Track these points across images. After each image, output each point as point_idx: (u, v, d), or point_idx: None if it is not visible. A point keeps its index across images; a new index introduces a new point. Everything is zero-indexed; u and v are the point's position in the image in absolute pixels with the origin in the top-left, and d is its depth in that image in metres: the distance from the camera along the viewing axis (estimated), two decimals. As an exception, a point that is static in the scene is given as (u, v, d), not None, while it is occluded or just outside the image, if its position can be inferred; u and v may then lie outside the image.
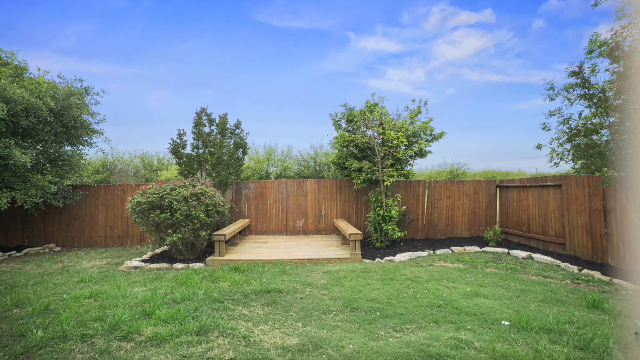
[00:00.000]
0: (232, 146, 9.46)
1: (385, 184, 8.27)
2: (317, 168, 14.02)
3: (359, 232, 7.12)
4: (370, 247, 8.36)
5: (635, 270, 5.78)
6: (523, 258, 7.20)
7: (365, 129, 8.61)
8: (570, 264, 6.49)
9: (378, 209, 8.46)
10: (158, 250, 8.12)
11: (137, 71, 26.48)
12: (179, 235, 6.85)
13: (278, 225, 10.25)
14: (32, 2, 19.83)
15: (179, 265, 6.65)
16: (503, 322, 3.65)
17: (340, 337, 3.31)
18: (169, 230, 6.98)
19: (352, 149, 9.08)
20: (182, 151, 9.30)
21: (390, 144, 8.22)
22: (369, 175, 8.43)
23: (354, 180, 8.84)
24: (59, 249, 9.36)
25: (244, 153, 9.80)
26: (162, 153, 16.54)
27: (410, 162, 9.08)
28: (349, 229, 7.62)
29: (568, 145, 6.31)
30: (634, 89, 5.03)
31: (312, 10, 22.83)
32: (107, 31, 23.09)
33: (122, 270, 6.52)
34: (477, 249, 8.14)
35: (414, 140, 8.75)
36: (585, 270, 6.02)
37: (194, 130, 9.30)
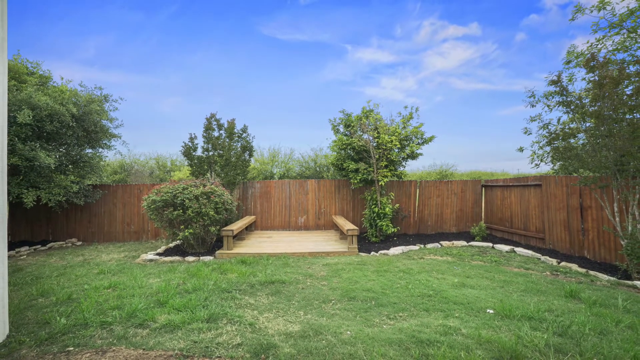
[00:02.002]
0: (239, 149, 9.45)
1: (380, 183, 8.26)
2: (317, 169, 14.01)
3: (356, 227, 7.11)
4: (366, 242, 8.36)
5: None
6: (506, 252, 7.20)
7: (361, 133, 8.60)
8: (550, 257, 6.48)
9: (373, 206, 8.46)
10: (171, 245, 8.11)
11: (152, 80, 26.52)
12: (191, 230, 6.84)
13: (281, 222, 10.24)
14: (56, 17, 19.86)
15: (190, 258, 6.64)
16: (488, 310, 3.65)
17: (339, 324, 3.31)
18: (181, 226, 6.97)
19: (349, 151, 9.07)
20: (194, 153, 9.30)
21: (384, 147, 8.21)
22: (365, 176, 8.42)
23: (351, 180, 8.83)
24: (80, 243, 9.36)
25: (250, 155, 9.79)
26: (175, 155, 16.56)
27: (403, 163, 9.08)
28: (346, 225, 7.62)
29: (548, 148, 6.32)
30: (608, 96, 5.03)
31: (312, 24, 22.87)
32: (124, 43, 23.14)
33: (139, 262, 6.52)
34: (464, 243, 8.13)
35: (406, 143, 8.74)
36: (563, 263, 6.02)
37: (204, 134, 9.30)
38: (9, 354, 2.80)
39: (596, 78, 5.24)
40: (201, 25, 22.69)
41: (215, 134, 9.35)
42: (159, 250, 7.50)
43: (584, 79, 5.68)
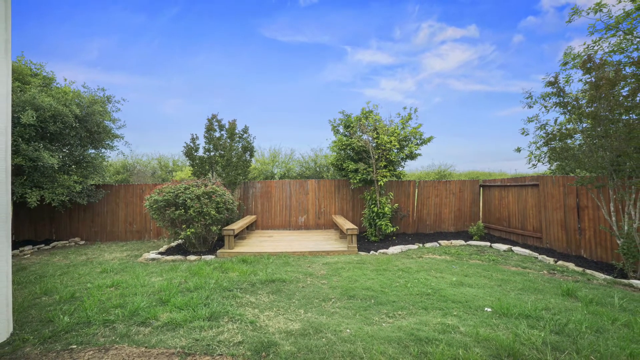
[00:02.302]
0: (240, 149, 9.45)
1: (379, 183, 8.26)
2: (318, 169, 14.01)
3: (355, 227, 7.11)
4: (366, 241, 8.35)
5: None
6: (504, 251, 7.20)
7: (361, 133, 8.60)
8: (547, 256, 6.48)
9: (372, 206, 8.46)
10: (173, 244, 8.12)
11: (154, 81, 26.55)
12: (192, 230, 6.84)
13: (282, 221, 10.24)
14: (60, 19, 19.88)
15: (192, 257, 6.64)
16: (486, 308, 3.65)
17: (339, 323, 3.30)
18: (183, 226, 6.97)
19: (349, 152, 9.07)
20: (195, 154, 9.30)
21: (383, 148, 8.21)
22: (364, 176, 8.42)
23: (351, 180, 8.83)
24: (83, 242, 9.36)
25: (251, 155, 9.79)
26: (177, 155, 16.55)
27: (402, 163, 9.07)
28: (346, 224, 7.61)
29: (545, 149, 6.32)
30: (605, 97, 5.03)
31: (312, 26, 22.89)
32: (127, 46, 23.16)
33: (141, 261, 6.52)
34: (462, 242, 8.13)
35: (405, 144, 8.74)
36: (560, 262, 6.02)
37: (205, 135, 9.29)
38: (13, 352, 2.80)
39: (593, 79, 5.23)
40: (203, 28, 22.72)
41: (217, 134, 9.35)
42: (161, 250, 7.50)
43: (581, 80, 5.67)
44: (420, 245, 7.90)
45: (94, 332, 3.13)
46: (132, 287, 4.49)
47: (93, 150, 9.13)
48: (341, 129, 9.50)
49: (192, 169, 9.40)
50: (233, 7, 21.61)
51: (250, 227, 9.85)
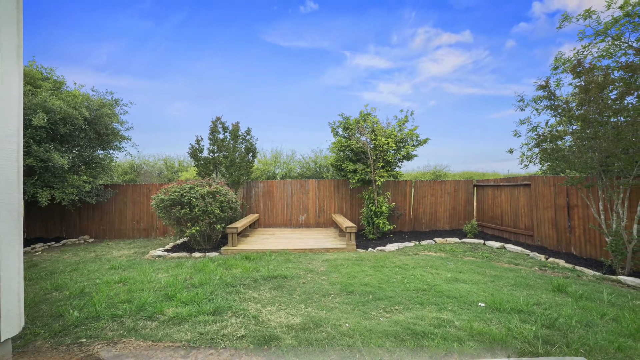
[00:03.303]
0: (243, 150, 9.45)
1: (376, 183, 8.26)
2: (318, 169, 14.01)
3: (354, 225, 7.11)
4: (364, 239, 8.35)
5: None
6: (497, 248, 7.19)
7: (359, 135, 8.60)
8: (538, 253, 6.48)
9: (370, 205, 8.45)
10: (179, 241, 8.11)
11: (160, 85, 26.53)
12: (197, 228, 6.84)
13: (283, 220, 10.23)
14: (70, 25, 19.87)
15: (197, 254, 6.64)
16: (479, 304, 3.65)
17: (338, 317, 3.30)
18: (188, 224, 6.97)
19: (348, 153, 9.07)
20: (200, 155, 9.29)
21: (381, 149, 8.21)
22: (362, 176, 8.42)
23: (350, 180, 8.83)
24: (92, 240, 9.36)
25: (254, 156, 9.79)
26: (182, 156, 16.53)
27: (399, 164, 9.07)
28: (345, 222, 7.60)
29: (536, 150, 6.32)
30: (594, 100, 5.03)
31: (312, 32, 22.91)
32: (134, 50, 23.16)
33: (148, 258, 6.51)
34: (456, 240, 8.12)
35: (402, 145, 8.74)
36: (551, 259, 6.02)
37: (209, 136, 9.29)
38: (24, 345, 2.80)
39: (582, 83, 5.24)
40: (207, 33, 22.73)
41: (221, 136, 9.35)
42: (167, 247, 7.49)
43: (571, 84, 5.68)
44: (417, 242, 7.89)
45: (102, 326, 3.13)
46: (139, 283, 4.49)
47: (102, 152, 9.13)
48: (340, 131, 9.49)
49: (196, 169, 9.39)
50: (236, 14, 21.63)
51: (253, 226, 9.85)
